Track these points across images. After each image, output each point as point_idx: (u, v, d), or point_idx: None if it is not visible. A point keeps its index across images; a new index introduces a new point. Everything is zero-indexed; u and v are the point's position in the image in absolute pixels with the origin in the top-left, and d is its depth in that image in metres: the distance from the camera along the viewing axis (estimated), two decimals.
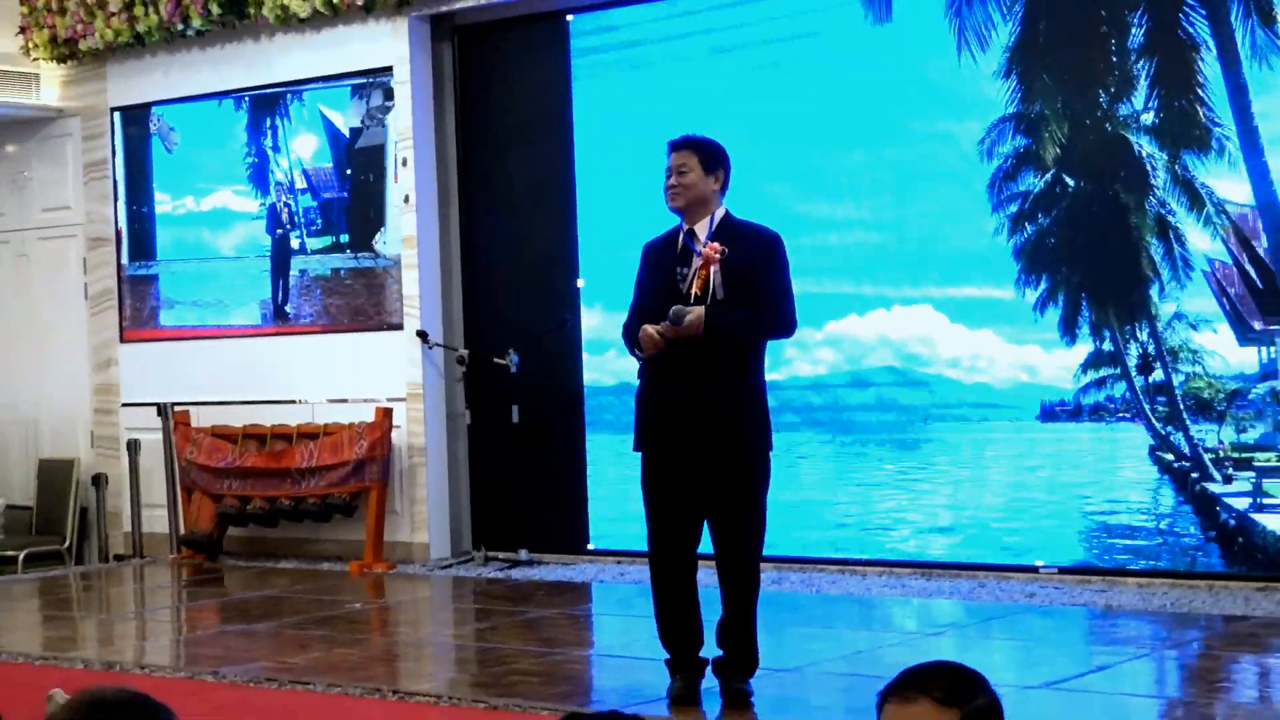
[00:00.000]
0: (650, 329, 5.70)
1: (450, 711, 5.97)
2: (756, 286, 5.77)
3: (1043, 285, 8.44)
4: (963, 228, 8.62)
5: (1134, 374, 8.20)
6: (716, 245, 5.75)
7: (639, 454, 5.91)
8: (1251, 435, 7.92)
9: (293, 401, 10.55)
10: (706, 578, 5.89)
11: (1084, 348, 8.33)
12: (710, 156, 5.88)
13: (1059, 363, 8.42)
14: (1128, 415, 8.24)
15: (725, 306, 5.70)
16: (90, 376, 11.55)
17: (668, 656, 5.90)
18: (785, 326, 5.94)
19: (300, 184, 10.67)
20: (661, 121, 9.12)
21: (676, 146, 5.91)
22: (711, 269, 5.73)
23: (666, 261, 5.88)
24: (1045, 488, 8.51)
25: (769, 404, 5.91)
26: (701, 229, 5.84)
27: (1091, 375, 8.33)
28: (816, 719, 5.55)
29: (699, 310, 5.66)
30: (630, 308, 6.01)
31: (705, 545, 5.86)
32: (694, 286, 5.75)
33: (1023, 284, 8.49)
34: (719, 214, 5.88)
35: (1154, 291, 8.11)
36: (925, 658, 2.67)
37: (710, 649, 5.89)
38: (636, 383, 6.00)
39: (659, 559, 5.86)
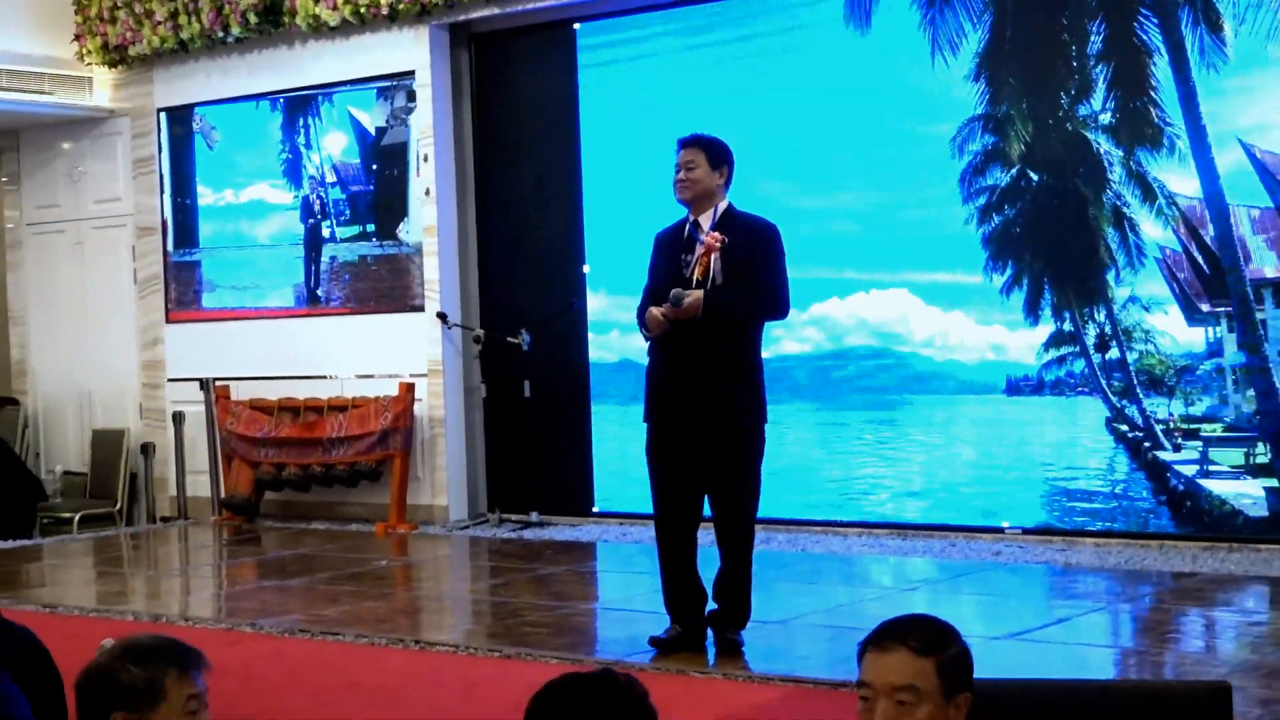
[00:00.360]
0: (655, 311, 5.70)
1: (467, 660, 5.97)
2: (754, 273, 5.76)
3: (1009, 271, 8.42)
4: (936, 218, 8.59)
5: (1092, 352, 8.18)
6: (718, 235, 5.73)
7: (645, 425, 5.89)
8: (1199, 408, 7.91)
9: (324, 377, 10.54)
10: (702, 537, 5.88)
11: (1046, 328, 8.31)
12: (716, 154, 5.85)
13: (1023, 341, 8.40)
14: (1086, 389, 8.22)
15: (724, 290, 5.69)
16: (139, 354, 11.53)
17: (667, 609, 5.89)
18: (778, 309, 5.91)
19: (330, 178, 10.64)
20: (661, 122, 9.12)
21: (686, 144, 5.87)
22: (712, 256, 5.71)
23: (674, 249, 5.87)
24: (1010, 455, 8.50)
25: (764, 380, 5.90)
26: (706, 219, 5.82)
27: (1053, 353, 8.31)
28: (802, 667, 5.53)
29: (698, 293, 5.64)
30: (643, 292, 6.00)
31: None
32: (696, 272, 5.73)
33: (990, 270, 8.47)
34: (722, 206, 5.86)
35: (1110, 276, 8.09)
36: (901, 611, 2.66)
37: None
38: (642, 361, 6.00)
39: (663, 523, 5.83)
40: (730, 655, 5.70)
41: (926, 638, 2.45)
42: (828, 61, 8.88)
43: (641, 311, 5.90)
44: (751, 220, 5.90)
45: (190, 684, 2.58)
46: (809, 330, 8.97)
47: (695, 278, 5.72)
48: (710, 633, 5.85)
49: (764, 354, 5.95)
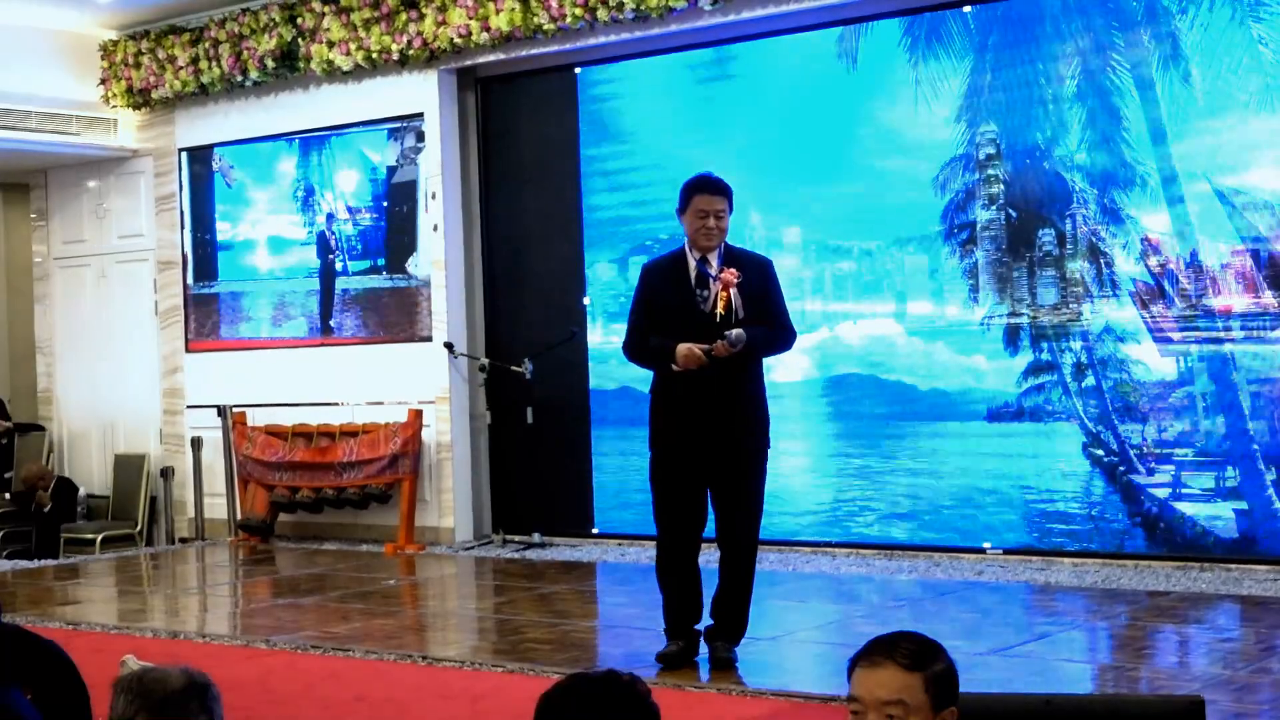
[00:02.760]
0: (696, 350, 5.58)
1: (472, 675, 5.94)
2: (764, 306, 5.74)
3: (989, 302, 8.42)
4: (919, 252, 8.59)
5: (1069, 380, 8.17)
6: (734, 271, 5.67)
7: (650, 451, 5.83)
8: (1171, 433, 7.90)
9: (336, 404, 10.52)
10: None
11: (1025, 357, 8.31)
12: (732, 199, 5.80)
13: (1003, 370, 8.39)
14: (1063, 416, 8.21)
15: (753, 327, 5.66)
16: (159, 382, 11.52)
17: (666, 626, 5.86)
18: (792, 340, 5.95)
19: (343, 214, 10.65)
20: (657, 161, 9.13)
21: (713, 190, 5.71)
22: (731, 292, 5.67)
23: (681, 285, 5.75)
24: (992, 479, 8.48)
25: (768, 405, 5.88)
26: (713, 257, 5.76)
27: (1032, 381, 8.30)
28: (794, 681, 5.51)
29: (741, 331, 5.61)
30: (632, 323, 5.89)
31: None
32: (717, 307, 5.68)
33: (972, 302, 8.47)
34: (722, 244, 5.84)
35: (1086, 308, 8.09)
36: (888, 628, 2.64)
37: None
38: (640, 388, 5.95)
39: (669, 544, 5.79)
40: (724, 670, 5.68)
41: (914, 653, 2.43)
42: (817, 102, 8.89)
43: (639, 345, 5.82)
44: (749, 255, 5.91)
45: None
46: (800, 359, 8.94)
47: (718, 313, 5.67)
48: (705, 647, 5.82)
49: None
